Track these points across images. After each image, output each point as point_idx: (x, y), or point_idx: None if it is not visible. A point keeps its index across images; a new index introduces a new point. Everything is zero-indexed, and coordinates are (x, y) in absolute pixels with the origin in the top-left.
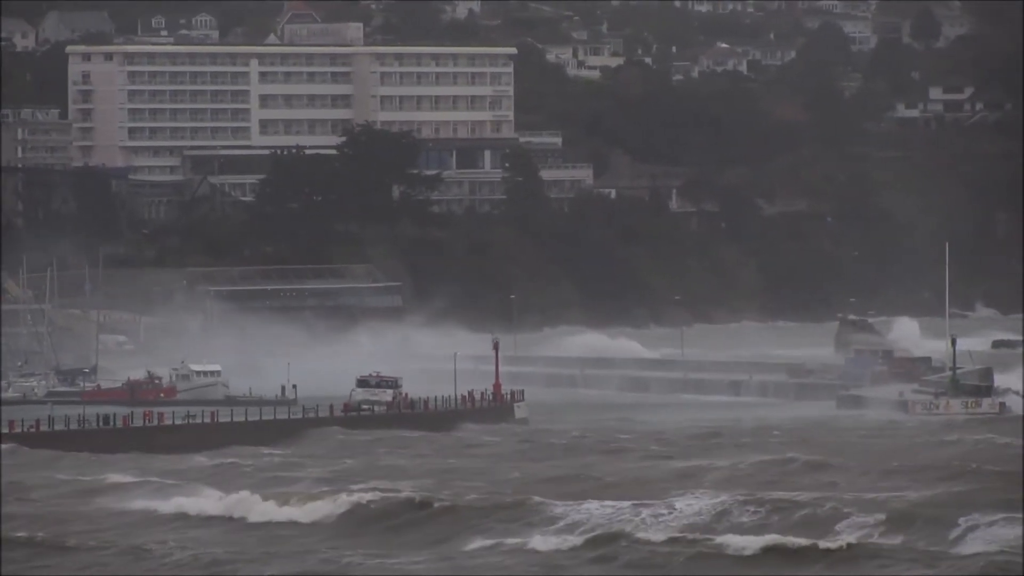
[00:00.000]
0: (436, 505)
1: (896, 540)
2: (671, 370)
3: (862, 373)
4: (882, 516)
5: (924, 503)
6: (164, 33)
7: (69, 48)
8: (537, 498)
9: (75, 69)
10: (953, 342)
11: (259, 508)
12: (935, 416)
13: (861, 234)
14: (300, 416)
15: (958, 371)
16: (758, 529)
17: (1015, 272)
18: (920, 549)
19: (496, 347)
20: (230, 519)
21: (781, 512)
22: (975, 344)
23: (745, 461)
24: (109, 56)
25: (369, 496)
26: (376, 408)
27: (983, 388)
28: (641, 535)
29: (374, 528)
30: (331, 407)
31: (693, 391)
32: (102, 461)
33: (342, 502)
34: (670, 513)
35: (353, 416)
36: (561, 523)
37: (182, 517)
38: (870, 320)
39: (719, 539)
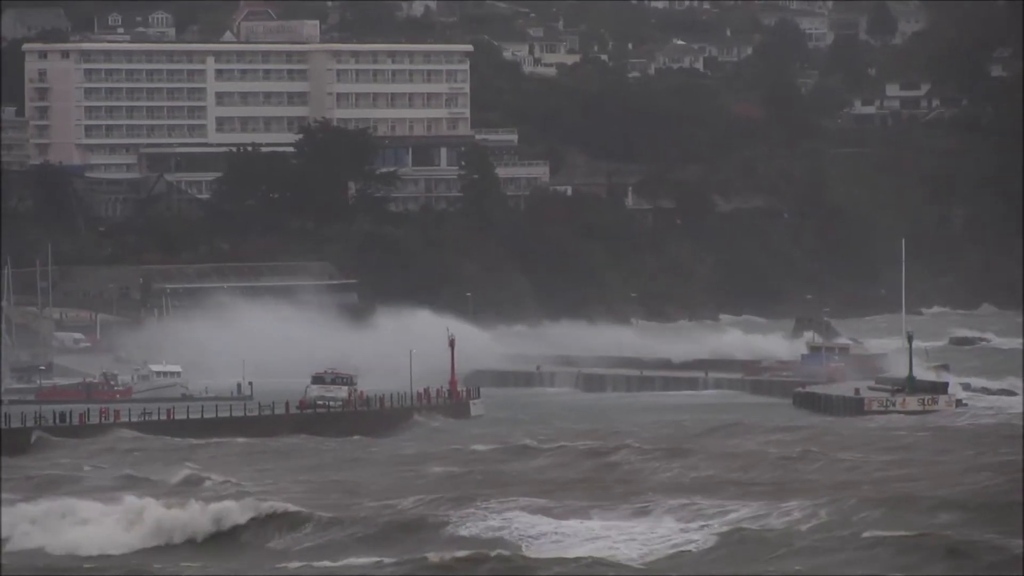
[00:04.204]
0: None
1: None
2: (629, 367)
3: (818, 370)
4: None
5: None
6: (120, 31)
7: (26, 46)
8: None
9: (32, 67)
10: (910, 339)
11: None
12: (891, 413)
13: (817, 231)
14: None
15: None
16: None
17: (972, 268)
18: None
19: (452, 344)
20: None
21: None
22: (932, 342)
23: None
24: (66, 54)
25: None
26: (332, 405)
27: (939, 385)
28: None
29: None
30: (287, 404)
31: (650, 388)
32: None
33: None
34: None
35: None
36: None
37: None
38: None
39: None
